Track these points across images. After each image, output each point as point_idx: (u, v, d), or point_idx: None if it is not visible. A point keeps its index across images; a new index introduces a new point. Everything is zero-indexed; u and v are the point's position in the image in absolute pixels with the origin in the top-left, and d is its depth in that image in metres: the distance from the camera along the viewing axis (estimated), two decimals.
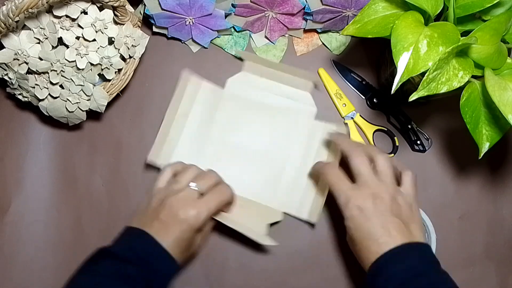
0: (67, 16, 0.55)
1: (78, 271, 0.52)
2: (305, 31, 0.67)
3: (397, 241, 0.49)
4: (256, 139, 0.65)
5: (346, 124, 0.65)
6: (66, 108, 0.59)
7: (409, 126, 0.65)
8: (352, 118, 0.66)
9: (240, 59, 0.67)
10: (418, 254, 0.50)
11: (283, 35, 0.67)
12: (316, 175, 0.62)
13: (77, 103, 0.59)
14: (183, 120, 0.65)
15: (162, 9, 0.61)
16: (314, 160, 0.63)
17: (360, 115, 0.66)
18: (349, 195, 0.52)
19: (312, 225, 0.64)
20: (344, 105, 0.66)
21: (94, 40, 0.56)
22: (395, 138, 0.65)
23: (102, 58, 0.57)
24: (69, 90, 0.58)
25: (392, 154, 0.65)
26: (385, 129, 0.65)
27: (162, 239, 0.52)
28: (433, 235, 0.63)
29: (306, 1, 0.60)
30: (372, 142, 0.65)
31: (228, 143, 0.65)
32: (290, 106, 0.65)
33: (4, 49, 0.55)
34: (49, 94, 0.58)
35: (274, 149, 0.64)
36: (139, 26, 0.62)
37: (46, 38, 0.55)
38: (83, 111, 0.60)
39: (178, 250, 0.52)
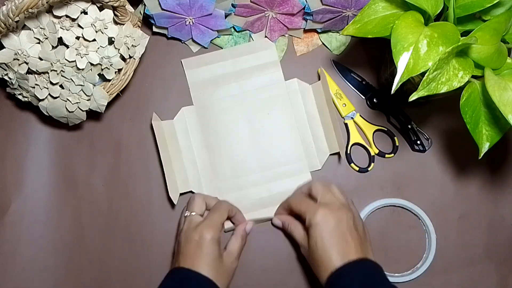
0: (67, 16, 0.55)
1: None
2: (305, 31, 0.67)
3: (357, 254, 0.53)
4: (248, 127, 0.66)
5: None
6: (66, 108, 0.59)
7: (409, 126, 0.65)
8: (352, 118, 0.66)
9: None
10: (373, 270, 0.53)
11: (283, 35, 0.67)
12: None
13: (77, 103, 0.59)
14: (178, 152, 0.65)
15: (162, 9, 0.61)
16: (306, 111, 0.66)
17: (360, 115, 0.66)
18: (317, 208, 0.56)
19: None
20: (344, 105, 0.66)
21: (94, 40, 0.56)
22: (395, 138, 0.65)
23: (102, 58, 0.57)
24: (69, 90, 0.58)
25: (392, 154, 0.65)
26: (385, 129, 0.65)
27: (196, 267, 0.55)
28: (433, 235, 0.63)
29: (306, 1, 0.60)
30: (372, 142, 0.65)
31: (227, 144, 0.65)
32: (262, 83, 0.66)
33: (4, 49, 0.55)
34: (49, 94, 0.58)
35: (267, 124, 0.66)
36: (139, 26, 0.62)
37: (46, 38, 0.55)
38: (83, 111, 0.60)
39: (212, 271, 0.55)
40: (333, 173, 0.66)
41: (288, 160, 0.65)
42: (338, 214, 0.55)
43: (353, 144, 0.65)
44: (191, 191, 0.65)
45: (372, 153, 0.65)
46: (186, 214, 0.60)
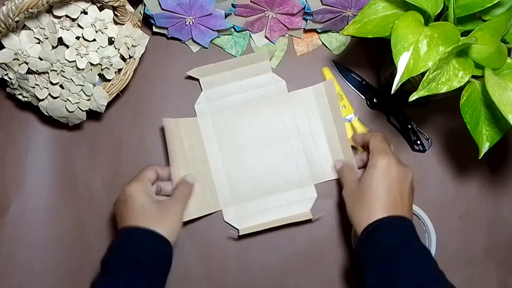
0: (67, 16, 0.55)
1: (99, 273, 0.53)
2: (305, 31, 0.67)
3: (397, 211, 0.52)
4: (255, 140, 0.65)
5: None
6: (66, 108, 0.59)
7: (409, 126, 0.65)
8: (349, 121, 0.66)
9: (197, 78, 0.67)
10: (410, 229, 0.52)
11: (283, 35, 0.67)
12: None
13: (77, 103, 0.59)
14: (185, 160, 0.64)
15: (162, 9, 0.61)
16: (311, 123, 0.65)
17: (358, 119, 0.66)
18: (388, 153, 0.55)
19: (311, 223, 0.64)
20: (344, 106, 0.66)
21: (94, 40, 0.56)
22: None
23: (102, 58, 0.57)
24: (69, 90, 0.58)
25: None
26: None
27: (127, 223, 0.54)
28: (433, 235, 0.63)
29: (306, 1, 0.60)
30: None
31: (237, 157, 0.65)
32: (263, 93, 0.66)
33: (4, 49, 0.55)
34: (49, 94, 0.58)
35: (274, 136, 0.65)
36: (139, 26, 0.62)
37: (46, 38, 0.55)
38: (83, 111, 0.60)
39: (146, 218, 0.54)
40: None
41: (293, 173, 0.65)
42: (404, 169, 0.55)
43: None
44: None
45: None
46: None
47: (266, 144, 0.65)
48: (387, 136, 0.59)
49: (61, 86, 0.58)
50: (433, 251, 0.63)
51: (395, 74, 0.46)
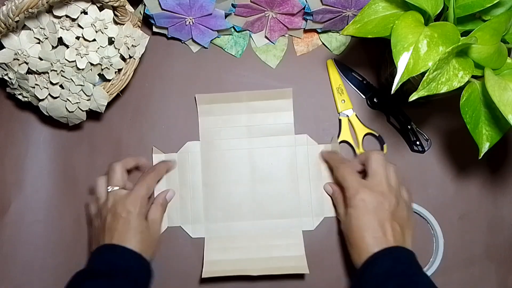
0: (67, 16, 0.55)
1: None
2: (305, 31, 0.67)
3: (389, 243, 0.53)
4: (249, 173, 0.65)
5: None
6: (66, 108, 0.59)
7: (409, 126, 0.65)
8: (347, 116, 0.66)
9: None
10: (407, 260, 0.53)
11: (283, 35, 0.67)
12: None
13: (77, 103, 0.59)
14: (174, 185, 0.65)
15: (162, 9, 0.61)
16: (310, 177, 0.65)
17: (356, 115, 0.66)
18: (359, 188, 0.56)
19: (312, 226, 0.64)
20: (343, 101, 0.66)
21: (94, 40, 0.56)
22: (384, 145, 0.65)
23: (102, 58, 0.57)
24: (69, 90, 0.58)
25: None
26: (376, 135, 0.65)
27: (125, 243, 0.56)
28: (441, 240, 0.63)
29: (306, 1, 0.60)
30: (361, 144, 0.65)
31: (225, 185, 0.65)
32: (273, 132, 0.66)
33: (4, 49, 0.55)
34: (49, 94, 0.58)
35: (269, 174, 0.65)
36: (139, 26, 0.62)
37: (46, 38, 0.55)
38: (83, 111, 0.60)
39: (140, 244, 0.56)
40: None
41: (281, 215, 0.64)
42: (379, 198, 0.55)
43: (341, 142, 0.65)
44: (180, 226, 0.65)
45: (358, 153, 0.65)
46: (109, 190, 0.59)
47: (259, 180, 0.65)
48: (368, 154, 0.59)
49: (61, 86, 0.58)
50: (440, 255, 0.63)
51: (395, 74, 0.46)
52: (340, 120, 0.66)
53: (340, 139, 0.65)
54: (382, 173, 0.57)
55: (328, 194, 0.64)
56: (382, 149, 0.65)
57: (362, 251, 0.53)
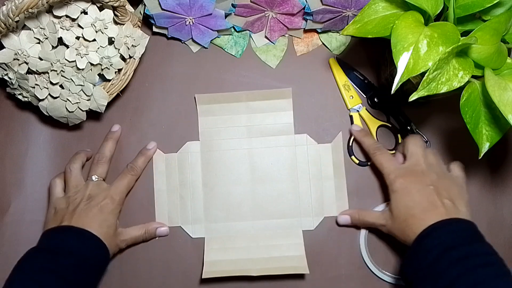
0: (67, 16, 0.55)
1: (11, 272, 0.53)
2: (305, 31, 0.67)
3: (442, 215, 0.53)
4: (249, 173, 0.65)
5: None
6: (66, 108, 0.59)
7: (408, 127, 0.65)
8: (358, 111, 0.66)
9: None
10: (462, 228, 0.52)
11: (283, 35, 0.67)
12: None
13: (77, 103, 0.59)
14: (174, 185, 0.65)
15: (162, 9, 0.61)
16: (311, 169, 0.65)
17: (366, 109, 0.66)
18: (398, 172, 0.57)
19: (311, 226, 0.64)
20: (351, 97, 0.66)
21: (94, 40, 0.56)
22: (399, 135, 0.65)
23: (102, 58, 0.57)
24: (69, 90, 0.58)
25: (394, 151, 0.65)
26: (389, 125, 0.65)
27: (88, 227, 0.56)
28: None
29: (306, 1, 0.60)
30: (376, 137, 0.65)
31: (225, 186, 0.65)
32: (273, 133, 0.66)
33: (4, 49, 0.55)
34: (49, 94, 0.58)
35: (269, 174, 0.65)
36: (139, 26, 0.62)
37: (46, 38, 0.55)
38: (83, 111, 0.60)
39: (104, 237, 0.57)
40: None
41: (281, 214, 0.64)
42: (419, 177, 0.55)
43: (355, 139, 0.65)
44: (180, 226, 0.65)
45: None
46: (93, 179, 0.61)
47: (259, 180, 0.65)
48: (409, 140, 0.60)
49: (61, 86, 0.58)
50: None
51: (395, 74, 0.46)
52: (351, 116, 0.66)
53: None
54: (419, 153, 0.57)
55: (348, 225, 0.63)
56: (397, 138, 0.65)
57: (415, 228, 0.52)
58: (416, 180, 0.55)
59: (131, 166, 0.63)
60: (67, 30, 0.55)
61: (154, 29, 0.66)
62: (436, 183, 0.55)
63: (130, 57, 0.60)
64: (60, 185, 0.62)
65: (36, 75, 0.57)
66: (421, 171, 0.56)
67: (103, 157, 0.63)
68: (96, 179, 0.61)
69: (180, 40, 0.67)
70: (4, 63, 0.56)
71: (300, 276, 0.64)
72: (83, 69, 0.56)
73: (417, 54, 0.46)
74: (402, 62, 0.46)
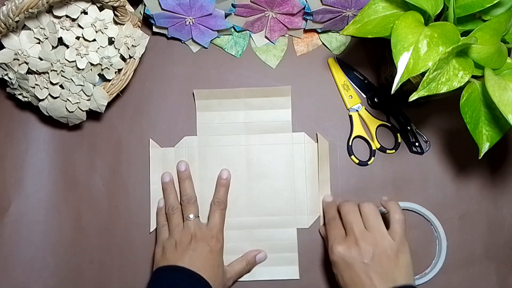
0: (67, 16, 0.55)
1: None
2: (305, 31, 0.67)
3: (384, 285, 0.52)
4: (246, 169, 0.65)
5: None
6: (66, 108, 0.59)
7: (408, 127, 0.65)
8: (357, 110, 0.66)
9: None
10: None
11: (283, 35, 0.67)
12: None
13: (77, 103, 0.59)
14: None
15: (162, 9, 0.61)
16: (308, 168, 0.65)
17: (365, 109, 0.66)
18: (335, 242, 0.56)
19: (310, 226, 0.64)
20: (350, 97, 0.66)
21: (94, 40, 0.56)
22: (398, 134, 0.65)
23: (102, 58, 0.57)
24: (69, 90, 0.58)
25: (394, 150, 0.65)
26: (389, 125, 0.65)
27: (200, 269, 0.56)
28: (444, 242, 0.63)
29: (306, 1, 0.60)
30: (375, 136, 0.65)
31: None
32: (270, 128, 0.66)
33: (4, 49, 0.55)
34: (49, 94, 0.58)
35: (265, 171, 0.65)
36: (139, 26, 0.62)
37: (46, 38, 0.55)
38: (83, 111, 0.60)
39: (213, 279, 0.57)
40: (332, 164, 0.65)
41: (277, 212, 0.64)
42: (355, 249, 0.54)
43: (355, 137, 0.65)
44: None
45: (374, 147, 0.65)
46: (191, 217, 0.61)
47: (255, 177, 0.65)
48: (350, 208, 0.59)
49: (61, 86, 0.58)
50: (442, 257, 0.63)
51: (395, 74, 0.46)
52: (350, 116, 0.66)
53: (354, 134, 0.65)
54: (355, 220, 0.57)
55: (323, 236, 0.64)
56: (396, 138, 0.65)
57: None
58: (350, 251, 0.54)
59: (217, 201, 0.63)
60: (67, 30, 0.55)
61: (154, 29, 0.66)
62: (374, 254, 0.54)
63: (130, 57, 0.60)
64: (166, 227, 0.62)
65: (36, 75, 0.57)
66: (357, 244, 0.55)
67: (191, 198, 0.63)
68: (194, 218, 0.61)
69: (180, 40, 0.67)
70: (4, 63, 0.56)
71: (300, 274, 0.64)
72: (83, 69, 0.56)
73: (417, 54, 0.46)
74: (402, 62, 0.46)
